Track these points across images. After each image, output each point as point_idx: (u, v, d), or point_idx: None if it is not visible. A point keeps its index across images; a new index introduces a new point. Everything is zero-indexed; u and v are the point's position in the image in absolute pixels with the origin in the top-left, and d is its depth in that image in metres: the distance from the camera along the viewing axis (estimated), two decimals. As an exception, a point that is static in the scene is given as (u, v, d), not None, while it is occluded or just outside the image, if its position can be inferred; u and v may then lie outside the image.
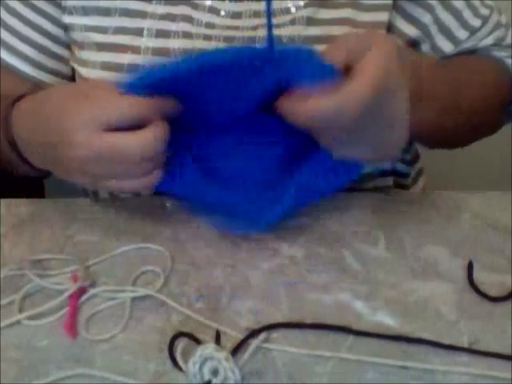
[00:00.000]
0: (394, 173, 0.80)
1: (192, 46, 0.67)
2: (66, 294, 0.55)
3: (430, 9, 0.70)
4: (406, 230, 0.63)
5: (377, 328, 0.53)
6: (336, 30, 0.67)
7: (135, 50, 0.68)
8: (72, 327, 0.53)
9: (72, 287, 0.55)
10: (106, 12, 0.69)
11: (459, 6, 0.71)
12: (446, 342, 0.51)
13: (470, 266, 0.58)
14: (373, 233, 0.62)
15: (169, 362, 0.50)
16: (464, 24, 0.72)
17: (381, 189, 0.76)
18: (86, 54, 0.70)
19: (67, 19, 0.71)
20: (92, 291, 0.56)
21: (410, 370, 0.49)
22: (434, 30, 0.71)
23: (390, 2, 0.68)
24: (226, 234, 0.62)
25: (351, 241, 0.62)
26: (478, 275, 0.57)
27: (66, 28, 0.72)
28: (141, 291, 0.56)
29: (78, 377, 0.49)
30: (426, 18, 0.71)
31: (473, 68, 0.71)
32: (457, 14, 0.71)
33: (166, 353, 0.51)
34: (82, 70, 0.71)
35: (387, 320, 0.53)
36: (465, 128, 0.68)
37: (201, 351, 0.48)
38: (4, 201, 0.68)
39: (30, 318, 0.54)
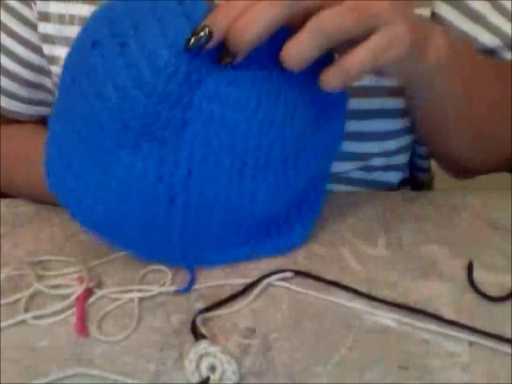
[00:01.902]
0: (412, 179, 0.79)
1: None
2: (74, 296, 0.55)
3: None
4: (406, 229, 0.63)
5: (377, 328, 0.53)
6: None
7: None
8: (84, 328, 0.53)
9: (79, 288, 0.55)
10: None
11: None
12: (446, 341, 0.51)
13: (470, 266, 0.58)
14: (373, 232, 0.62)
15: (169, 362, 0.50)
16: None
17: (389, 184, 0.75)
18: None
19: (48, 49, 0.65)
20: (100, 292, 0.56)
21: (410, 370, 0.50)
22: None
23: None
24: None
25: (351, 240, 0.62)
26: (478, 275, 0.57)
27: (50, 60, 0.66)
28: (154, 289, 0.56)
29: (78, 377, 0.49)
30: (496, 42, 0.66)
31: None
32: None
33: (166, 353, 0.51)
34: None
35: (387, 320, 0.53)
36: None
37: (195, 348, 0.48)
38: (4, 201, 0.68)
39: (35, 317, 0.54)
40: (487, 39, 0.66)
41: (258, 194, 0.52)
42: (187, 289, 0.56)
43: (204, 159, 0.48)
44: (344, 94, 0.56)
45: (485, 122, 0.64)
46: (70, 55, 0.51)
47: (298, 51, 0.45)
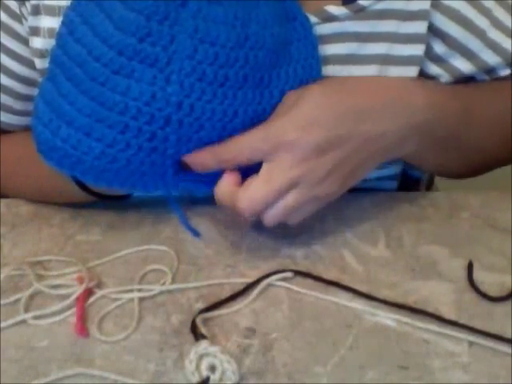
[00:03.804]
0: (406, 178, 0.79)
1: None
2: (74, 296, 0.55)
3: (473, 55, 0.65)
4: (406, 229, 0.63)
5: (377, 328, 0.53)
6: None
7: None
8: (84, 329, 0.53)
9: (79, 288, 0.55)
10: None
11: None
12: (446, 341, 0.51)
13: (470, 266, 0.58)
14: (373, 232, 0.63)
15: (169, 362, 0.50)
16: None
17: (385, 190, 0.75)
18: None
19: (40, 63, 0.64)
20: (100, 292, 0.56)
21: (410, 370, 0.50)
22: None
23: (421, 53, 0.62)
24: (225, 233, 0.62)
25: (351, 240, 0.62)
26: (477, 275, 0.57)
27: (42, 74, 0.65)
28: (154, 289, 0.56)
29: (78, 377, 0.49)
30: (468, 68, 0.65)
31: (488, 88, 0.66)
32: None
33: (166, 353, 0.51)
34: None
35: (387, 320, 0.53)
36: (470, 161, 0.67)
37: (195, 348, 0.48)
38: (4, 201, 0.68)
39: (35, 317, 0.54)
40: (487, 56, 0.65)
41: (238, 113, 0.55)
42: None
43: (191, 71, 0.53)
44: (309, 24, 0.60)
45: (487, 143, 0.65)
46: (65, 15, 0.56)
47: None
